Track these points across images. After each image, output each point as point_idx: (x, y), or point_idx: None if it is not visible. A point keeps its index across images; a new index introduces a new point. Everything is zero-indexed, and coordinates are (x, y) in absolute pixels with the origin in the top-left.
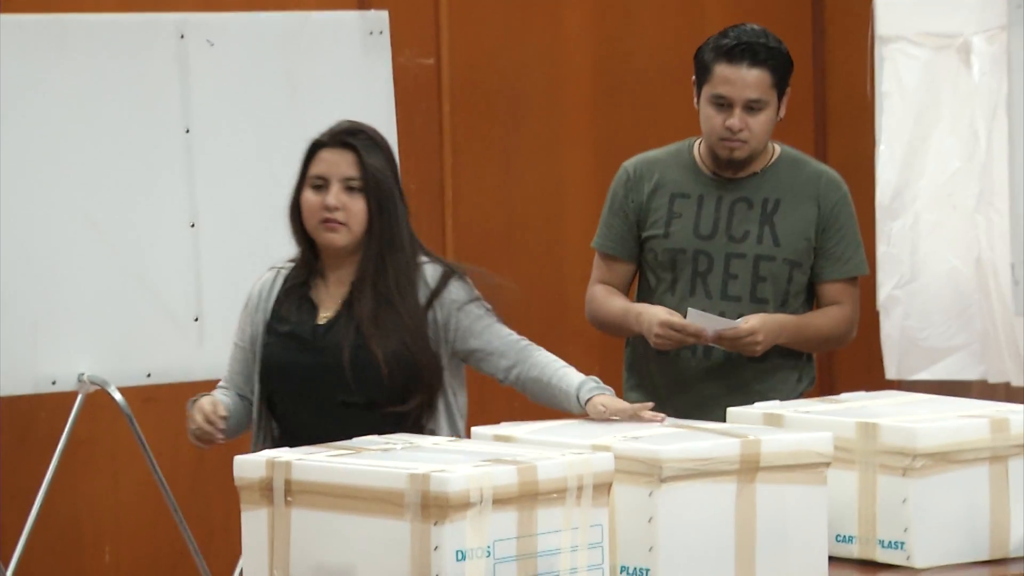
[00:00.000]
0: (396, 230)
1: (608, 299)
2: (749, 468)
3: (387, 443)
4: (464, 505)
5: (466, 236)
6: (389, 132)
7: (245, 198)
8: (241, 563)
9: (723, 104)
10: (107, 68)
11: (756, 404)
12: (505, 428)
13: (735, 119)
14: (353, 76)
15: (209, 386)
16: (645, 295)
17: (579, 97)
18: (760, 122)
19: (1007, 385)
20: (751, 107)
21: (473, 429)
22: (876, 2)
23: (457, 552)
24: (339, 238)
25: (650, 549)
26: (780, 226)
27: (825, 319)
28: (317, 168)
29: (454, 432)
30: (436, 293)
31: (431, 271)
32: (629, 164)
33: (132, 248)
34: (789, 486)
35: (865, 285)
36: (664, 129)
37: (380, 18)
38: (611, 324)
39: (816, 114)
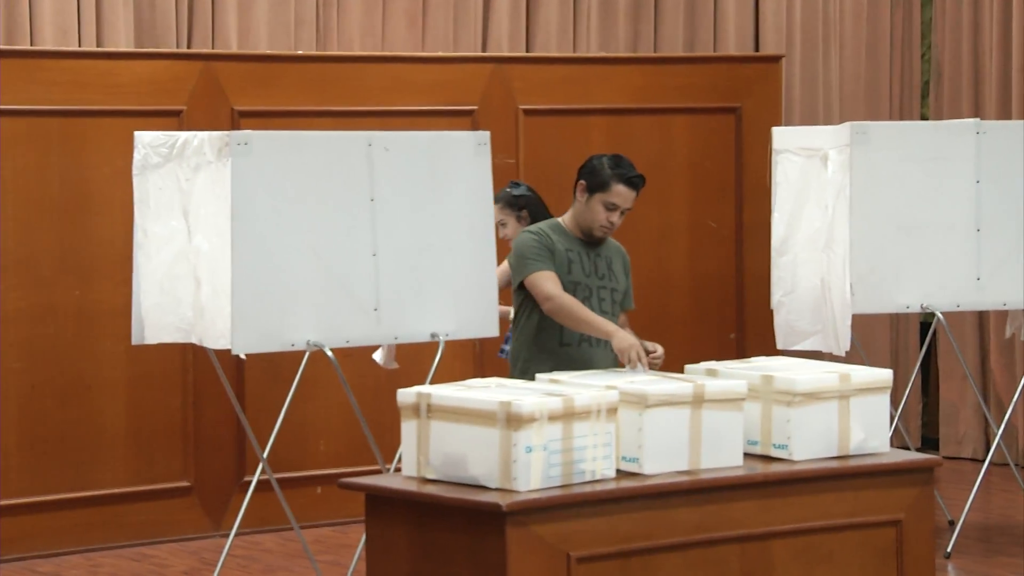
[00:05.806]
0: None
1: (580, 305)
2: (698, 400)
3: (486, 384)
4: (531, 420)
5: None
6: (487, 207)
7: (405, 239)
8: (400, 451)
9: (611, 207)
10: (325, 163)
11: (700, 363)
12: (557, 375)
13: (616, 218)
14: (467, 170)
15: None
16: (535, 311)
17: None
18: (622, 219)
19: (834, 354)
20: (623, 212)
21: (537, 375)
22: (773, 129)
23: (527, 447)
24: None
25: (639, 446)
26: (615, 272)
27: None
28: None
29: None
30: None
31: None
32: (539, 229)
33: (339, 267)
34: (721, 411)
35: (763, 292)
36: (653, 201)
37: (484, 136)
38: (582, 320)
39: (736, 194)
